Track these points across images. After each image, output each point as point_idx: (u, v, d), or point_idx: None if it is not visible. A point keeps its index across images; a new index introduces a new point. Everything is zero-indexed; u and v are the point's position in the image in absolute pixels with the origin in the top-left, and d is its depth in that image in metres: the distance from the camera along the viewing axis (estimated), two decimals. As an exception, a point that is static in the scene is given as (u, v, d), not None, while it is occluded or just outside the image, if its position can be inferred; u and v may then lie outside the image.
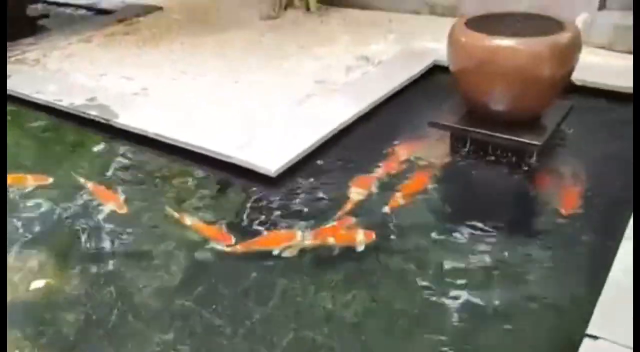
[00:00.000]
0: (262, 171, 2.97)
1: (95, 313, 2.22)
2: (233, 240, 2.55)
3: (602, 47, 4.35)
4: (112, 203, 2.87)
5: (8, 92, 4.15)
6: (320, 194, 2.89)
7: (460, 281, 2.27)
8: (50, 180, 3.11)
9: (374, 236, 2.52)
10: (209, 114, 3.65)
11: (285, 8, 5.69)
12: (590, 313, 1.89)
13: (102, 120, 3.65)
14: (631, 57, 4.29)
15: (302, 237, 2.53)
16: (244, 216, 2.74)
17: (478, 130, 3.08)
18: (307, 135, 3.24)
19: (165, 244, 2.59)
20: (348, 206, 2.76)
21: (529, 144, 2.95)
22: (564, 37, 2.86)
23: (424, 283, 2.27)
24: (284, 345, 2.03)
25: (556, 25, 2.95)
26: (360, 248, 2.46)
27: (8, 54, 4.88)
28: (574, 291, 2.20)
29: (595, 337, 1.82)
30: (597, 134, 3.31)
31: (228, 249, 2.52)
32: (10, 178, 3.07)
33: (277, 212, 2.76)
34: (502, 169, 3.04)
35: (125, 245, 2.62)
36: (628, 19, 4.44)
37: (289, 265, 2.41)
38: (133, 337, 2.11)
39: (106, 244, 2.61)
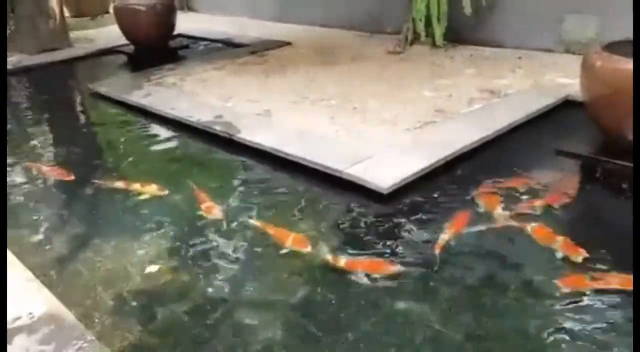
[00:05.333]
0: (373, 188, 2.91)
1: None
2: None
3: None
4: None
5: (146, 108, 4.52)
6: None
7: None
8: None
9: None
10: (325, 135, 3.68)
11: (411, 44, 5.71)
12: None
13: (226, 135, 3.82)
14: None
15: None
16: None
17: (613, 160, 2.83)
18: (421, 158, 3.14)
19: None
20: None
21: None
22: None
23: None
24: None
25: None
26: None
27: (149, 77, 5.34)
28: None
29: None
30: None
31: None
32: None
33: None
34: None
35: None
36: None
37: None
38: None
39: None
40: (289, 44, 6.48)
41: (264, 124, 4.01)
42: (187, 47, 6.67)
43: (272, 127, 3.91)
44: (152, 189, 3.17)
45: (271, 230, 2.69)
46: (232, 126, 3.93)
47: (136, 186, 3.22)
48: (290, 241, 2.57)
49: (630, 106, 2.69)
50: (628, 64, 2.65)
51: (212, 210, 2.91)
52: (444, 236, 2.52)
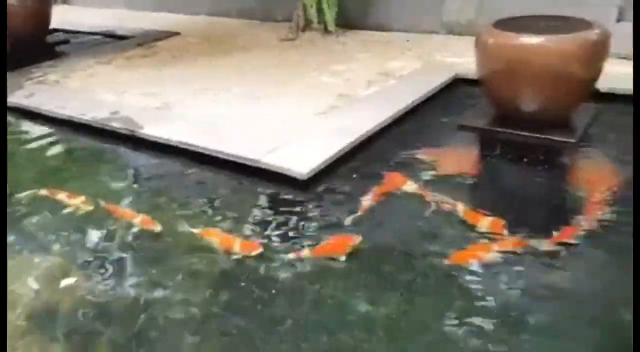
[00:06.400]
0: (293, 175, 2.92)
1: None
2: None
3: (624, 58, 4.35)
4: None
5: (30, 109, 4.19)
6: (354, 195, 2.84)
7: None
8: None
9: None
10: (234, 124, 3.63)
11: (303, 30, 5.76)
12: None
13: (127, 132, 3.64)
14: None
15: None
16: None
17: (509, 131, 3.05)
18: (335, 142, 3.20)
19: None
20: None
21: (563, 142, 2.91)
22: (592, 34, 2.86)
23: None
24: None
25: (583, 24, 2.95)
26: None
27: (28, 76, 4.94)
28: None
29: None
30: (625, 135, 3.27)
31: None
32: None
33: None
34: (534, 170, 2.99)
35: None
36: (647, 30, 4.46)
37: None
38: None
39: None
40: (177, 34, 6.28)
41: (166, 117, 3.87)
42: (66, 42, 6.22)
43: (176, 120, 3.77)
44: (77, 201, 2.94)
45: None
46: (132, 122, 3.75)
47: (61, 196, 2.99)
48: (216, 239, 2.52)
49: (523, 79, 2.92)
50: (518, 39, 2.87)
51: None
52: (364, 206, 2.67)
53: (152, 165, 3.42)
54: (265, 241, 2.48)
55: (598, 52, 2.89)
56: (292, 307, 2.08)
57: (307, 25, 5.79)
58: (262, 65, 4.99)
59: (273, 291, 2.16)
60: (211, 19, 6.98)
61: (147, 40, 6.02)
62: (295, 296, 2.15)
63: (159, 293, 2.20)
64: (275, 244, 2.46)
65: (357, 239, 2.38)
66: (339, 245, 2.38)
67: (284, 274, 2.25)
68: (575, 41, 2.82)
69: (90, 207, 2.86)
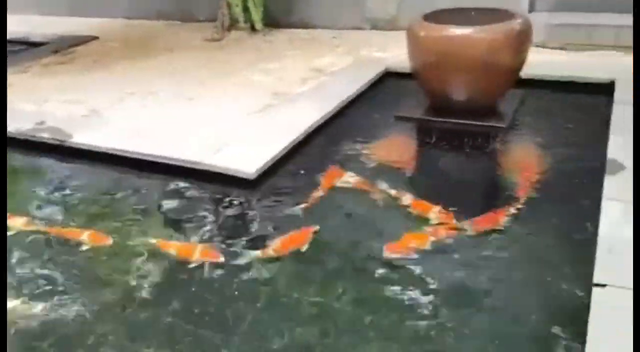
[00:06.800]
0: (240, 175, 2.89)
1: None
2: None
3: (537, 46, 4.63)
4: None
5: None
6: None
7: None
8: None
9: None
10: (168, 127, 3.55)
11: (229, 30, 5.70)
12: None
13: (56, 142, 3.47)
14: (563, 52, 4.63)
15: None
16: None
17: (444, 119, 3.18)
18: (278, 140, 3.20)
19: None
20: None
21: (495, 127, 3.07)
22: (516, 24, 3.03)
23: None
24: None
25: (506, 15, 3.12)
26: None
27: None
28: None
29: (602, 286, 1.88)
30: (548, 119, 3.49)
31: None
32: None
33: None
34: (470, 155, 3.13)
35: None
36: (556, 19, 4.78)
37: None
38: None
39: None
40: (95, 38, 6.03)
41: (96, 124, 3.72)
42: (-26, 51, 5.83)
43: (106, 127, 3.64)
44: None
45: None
46: (60, 131, 3.58)
47: None
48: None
49: (453, 69, 3.06)
50: (448, 31, 3.00)
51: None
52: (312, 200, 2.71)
53: (85, 175, 3.27)
54: (224, 245, 2.44)
55: (522, 40, 3.07)
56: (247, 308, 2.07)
57: (233, 25, 5.73)
58: (190, 66, 4.90)
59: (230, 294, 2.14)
60: (129, 21, 6.75)
61: (64, 46, 5.75)
62: (249, 297, 2.13)
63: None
64: (234, 247, 2.43)
65: (315, 228, 2.43)
66: (300, 237, 2.41)
67: (244, 277, 2.23)
68: (501, 31, 2.99)
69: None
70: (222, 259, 2.32)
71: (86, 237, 2.54)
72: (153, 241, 2.49)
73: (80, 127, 3.63)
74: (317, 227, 2.44)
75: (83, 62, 5.29)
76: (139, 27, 6.53)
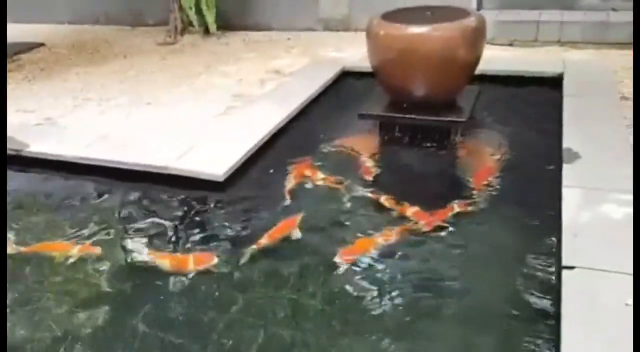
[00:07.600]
0: (209, 178, 2.88)
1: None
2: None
3: (487, 43, 4.79)
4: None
5: None
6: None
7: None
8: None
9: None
10: (129, 133, 3.50)
11: (182, 33, 5.64)
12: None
13: (13, 152, 3.36)
14: (510, 48, 4.82)
15: None
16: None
17: (406, 115, 3.26)
18: (243, 141, 3.20)
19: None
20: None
21: (455, 121, 3.17)
22: (471, 21, 3.13)
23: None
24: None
25: (461, 12, 3.23)
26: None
27: None
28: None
29: (571, 268, 1.98)
30: (504, 112, 3.63)
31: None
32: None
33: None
34: (431, 150, 3.22)
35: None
36: (504, 16, 4.96)
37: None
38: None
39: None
40: (42, 45, 5.86)
41: (52, 132, 3.63)
42: None
43: (64, 135, 3.55)
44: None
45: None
46: (15, 141, 3.46)
47: None
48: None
49: (413, 66, 3.13)
50: (407, 29, 3.07)
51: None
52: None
53: (45, 184, 3.18)
54: (215, 251, 2.41)
55: (477, 37, 3.18)
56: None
57: (185, 28, 5.68)
58: (145, 71, 4.83)
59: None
60: (77, 27, 6.59)
61: (9, 53, 5.55)
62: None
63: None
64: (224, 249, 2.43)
65: (300, 215, 2.54)
66: (288, 223, 2.50)
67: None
68: (457, 28, 3.08)
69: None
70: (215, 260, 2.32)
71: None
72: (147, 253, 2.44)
73: (36, 136, 3.52)
74: (302, 214, 2.54)
75: (31, 70, 5.14)
76: (87, 32, 6.38)
